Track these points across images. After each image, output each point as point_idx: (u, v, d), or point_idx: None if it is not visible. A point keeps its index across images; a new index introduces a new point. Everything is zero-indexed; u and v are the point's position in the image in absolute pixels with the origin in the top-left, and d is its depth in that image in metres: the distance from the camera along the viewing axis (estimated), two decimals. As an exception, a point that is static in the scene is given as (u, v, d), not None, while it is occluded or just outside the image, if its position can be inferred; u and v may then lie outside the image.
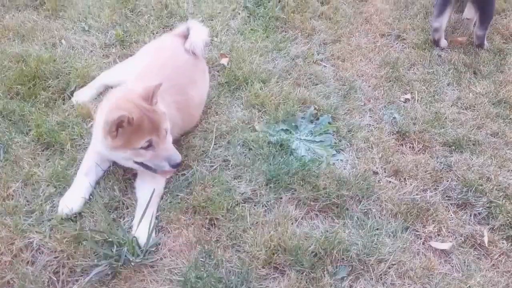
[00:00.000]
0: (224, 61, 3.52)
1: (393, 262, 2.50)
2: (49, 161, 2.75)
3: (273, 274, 2.42)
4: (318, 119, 3.21)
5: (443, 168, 3.01)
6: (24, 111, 2.97)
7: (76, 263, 2.33)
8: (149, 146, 2.43)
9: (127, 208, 2.60)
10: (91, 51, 3.52)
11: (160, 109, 2.50)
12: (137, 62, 3.09)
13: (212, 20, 3.89)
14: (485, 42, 3.92)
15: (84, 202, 2.55)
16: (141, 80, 2.78)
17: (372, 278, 2.44)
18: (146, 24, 3.76)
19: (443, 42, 3.91)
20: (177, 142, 2.75)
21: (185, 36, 3.18)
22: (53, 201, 2.57)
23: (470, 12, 4.13)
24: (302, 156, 2.96)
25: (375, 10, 4.21)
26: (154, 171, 2.55)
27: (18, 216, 2.47)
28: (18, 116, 2.95)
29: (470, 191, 2.87)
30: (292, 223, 2.61)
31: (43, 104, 3.04)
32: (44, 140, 2.83)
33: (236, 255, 2.46)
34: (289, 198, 2.74)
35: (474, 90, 3.58)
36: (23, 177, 2.65)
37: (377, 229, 2.64)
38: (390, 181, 2.91)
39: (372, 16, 4.16)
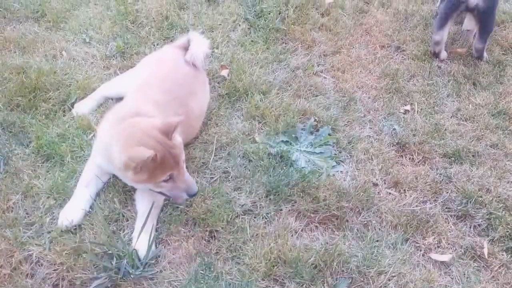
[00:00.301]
0: (225, 72, 3.53)
1: (393, 274, 2.50)
2: (49, 173, 2.75)
3: (273, 286, 2.42)
4: (318, 130, 3.22)
5: (442, 179, 3.01)
6: (25, 123, 2.98)
7: (75, 275, 2.33)
8: (170, 179, 2.45)
9: (127, 221, 2.60)
10: (92, 62, 3.53)
11: (178, 141, 2.51)
12: (137, 74, 3.09)
13: (212, 31, 3.91)
14: (484, 54, 3.93)
15: (84, 214, 2.55)
16: (141, 92, 2.80)
17: (372, 291, 2.44)
18: (147, 36, 3.78)
19: (443, 54, 3.92)
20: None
21: (186, 48, 3.18)
22: (53, 213, 2.57)
23: (470, 24, 4.14)
24: (302, 167, 2.96)
25: (375, 22, 4.23)
26: (170, 198, 2.58)
27: (17, 228, 2.48)
28: (18, 128, 2.96)
29: (470, 202, 2.87)
30: (292, 235, 2.62)
31: (44, 116, 3.05)
32: (44, 152, 2.83)
33: (236, 267, 2.46)
34: (289, 210, 2.74)
35: (473, 101, 3.58)
36: (23, 189, 2.65)
37: (377, 241, 2.65)
38: (390, 193, 2.91)
39: (372, 27, 4.17)
